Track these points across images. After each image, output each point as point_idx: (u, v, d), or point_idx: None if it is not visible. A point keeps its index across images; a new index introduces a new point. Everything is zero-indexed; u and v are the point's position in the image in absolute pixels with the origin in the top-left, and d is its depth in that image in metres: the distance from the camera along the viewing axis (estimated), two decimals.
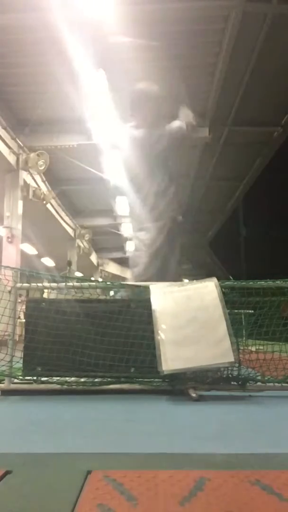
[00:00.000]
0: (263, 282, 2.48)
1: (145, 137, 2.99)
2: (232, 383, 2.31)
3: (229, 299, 2.38)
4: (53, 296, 3.16)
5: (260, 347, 2.51)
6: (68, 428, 1.62)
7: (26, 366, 2.40)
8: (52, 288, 2.68)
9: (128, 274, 3.23)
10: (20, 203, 8.43)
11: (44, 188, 9.46)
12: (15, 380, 2.36)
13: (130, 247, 17.26)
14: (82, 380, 2.34)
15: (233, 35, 6.01)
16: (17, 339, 2.78)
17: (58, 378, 2.33)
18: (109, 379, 2.33)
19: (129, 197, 3.11)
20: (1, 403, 2.16)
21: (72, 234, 13.44)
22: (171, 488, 0.95)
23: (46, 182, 9.62)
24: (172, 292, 2.37)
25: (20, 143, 8.10)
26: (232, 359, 2.10)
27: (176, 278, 3.04)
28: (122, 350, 2.32)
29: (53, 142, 8.57)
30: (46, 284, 2.63)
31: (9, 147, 7.86)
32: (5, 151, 7.80)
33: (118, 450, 1.30)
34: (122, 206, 12.30)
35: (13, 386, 2.35)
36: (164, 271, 3.02)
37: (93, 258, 17.19)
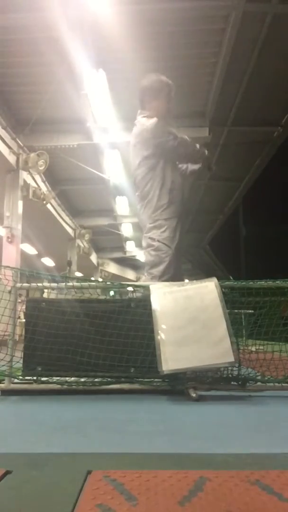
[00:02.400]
0: (263, 282, 2.48)
1: (159, 125, 2.99)
2: (232, 383, 2.31)
3: (229, 299, 2.38)
4: (53, 296, 3.16)
5: (260, 347, 2.51)
6: (68, 428, 1.62)
7: (26, 366, 2.40)
8: (52, 288, 2.68)
9: (144, 275, 3.16)
10: (20, 203, 8.44)
11: (44, 188, 9.47)
12: (15, 380, 2.36)
13: (130, 247, 17.30)
14: (82, 380, 2.34)
15: (233, 35, 6.00)
16: (17, 339, 2.78)
17: (58, 378, 2.33)
18: (109, 379, 2.33)
19: (141, 191, 3.01)
20: (1, 403, 2.16)
21: (72, 234, 13.45)
22: (171, 488, 0.95)
23: (46, 182, 9.63)
24: (172, 292, 2.37)
25: (20, 143, 8.10)
26: (232, 359, 2.10)
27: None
28: (122, 350, 2.32)
29: (53, 142, 8.58)
30: (46, 284, 2.63)
31: (9, 147, 7.87)
32: (5, 151, 7.81)
33: (118, 450, 1.30)
34: (122, 206, 12.32)
35: (13, 386, 2.35)
36: (180, 271, 3.03)
37: (93, 258, 17.20)
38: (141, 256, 15.88)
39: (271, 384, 2.31)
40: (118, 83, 6.64)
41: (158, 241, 2.87)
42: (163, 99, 3.10)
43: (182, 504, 0.88)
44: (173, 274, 2.87)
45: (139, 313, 2.36)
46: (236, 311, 2.58)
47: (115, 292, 3.28)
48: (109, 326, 2.36)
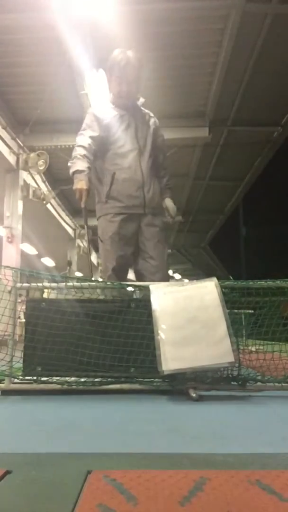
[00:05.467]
0: (263, 282, 2.48)
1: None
2: (232, 383, 2.31)
3: (229, 299, 2.38)
4: (53, 296, 3.16)
5: (260, 347, 2.51)
6: (68, 428, 1.62)
7: (26, 366, 2.40)
8: (52, 288, 2.68)
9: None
10: (20, 203, 8.43)
11: (44, 188, 9.46)
12: (15, 380, 2.36)
13: None
14: (82, 380, 2.34)
15: (233, 35, 6.00)
16: (17, 339, 2.78)
17: (58, 378, 2.33)
18: (109, 379, 2.33)
19: None
20: (1, 403, 2.16)
21: (72, 234, 13.44)
22: (171, 488, 0.95)
23: (46, 182, 9.62)
24: (172, 292, 2.37)
25: (20, 143, 8.10)
26: (232, 359, 2.10)
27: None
28: (122, 350, 2.32)
29: (53, 142, 8.57)
30: (46, 284, 2.62)
31: (9, 147, 7.87)
32: (5, 151, 7.81)
33: (118, 450, 1.30)
34: None
35: (13, 386, 2.35)
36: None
37: (93, 258, 17.19)
38: None
39: (271, 384, 2.31)
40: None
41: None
42: (114, 80, 2.86)
43: (182, 504, 0.88)
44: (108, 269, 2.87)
45: (139, 313, 2.37)
46: (236, 311, 2.58)
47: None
48: (109, 326, 2.36)
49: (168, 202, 3.08)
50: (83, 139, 2.85)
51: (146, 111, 3.08)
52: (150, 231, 2.90)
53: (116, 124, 2.87)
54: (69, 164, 2.82)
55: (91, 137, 2.83)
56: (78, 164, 2.76)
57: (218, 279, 2.41)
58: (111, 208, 2.91)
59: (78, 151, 2.80)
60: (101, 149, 2.87)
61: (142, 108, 3.06)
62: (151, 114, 3.08)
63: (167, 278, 3.04)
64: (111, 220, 2.89)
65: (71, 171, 2.78)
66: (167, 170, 3.19)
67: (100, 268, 18.37)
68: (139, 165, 2.87)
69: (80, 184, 2.75)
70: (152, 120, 3.04)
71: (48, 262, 16.45)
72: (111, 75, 2.89)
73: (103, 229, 2.95)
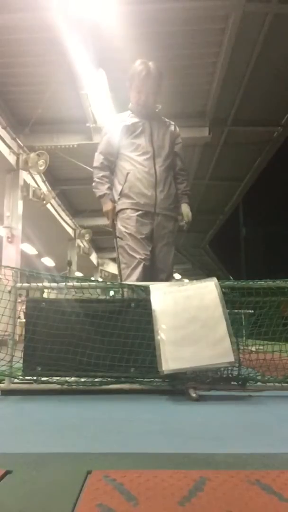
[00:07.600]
0: (263, 282, 2.48)
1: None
2: (232, 383, 2.31)
3: (229, 299, 2.38)
4: (53, 296, 3.16)
5: (260, 347, 2.51)
6: (68, 428, 1.62)
7: (26, 366, 2.40)
8: (52, 288, 2.68)
9: None
10: (20, 203, 8.44)
11: (44, 188, 9.47)
12: (15, 380, 2.36)
13: None
14: (82, 380, 2.34)
15: (233, 35, 6.01)
16: (17, 339, 2.78)
17: (58, 378, 2.33)
18: (109, 379, 2.33)
19: None
20: (1, 403, 2.16)
21: (72, 234, 13.44)
22: (171, 488, 0.95)
23: (46, 182, 9.62)
24: (172, 292, 2.37)
25: (20, 143, 8.10)
26: (232, 359, 2.10)
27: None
28: (122, 350, 2.32)
29: (53, 142, 8.58)
30: (46, 284, 2.63)
31: (9, 147, 7.87)
32: (5, 151, 7.81)
33: (118, 450, 1.30)
34: None
35: (13, 386, 2.35)
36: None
37: (93, 258, 17.18)
38: None
39: (271, 384, 2.31)
40: (118, 83, 6.63)
41: None
42: (134, 90, 3.00)
43: (182, 504, 0.88)
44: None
45: (139, 313, 2.37)
46: (236, 311, 2.58)
47: (115, 292, 3.28)
48: (109, 326, 2.36)
49: (184, 208, 3.16)
50: (96, 158, 3.15)
51: (167, 119, 3.20)
52: (160, 232, 2.97)
53: (128, 132, 3.02)
54: (93, 189, 3.13)
55: (101, 153, 3.12)
56: (99, 188, 3.09)
57: (218, 279, 2.41)
58: (121, 204, 3.00)
59: (95, 174, 3.13)
60: (115, 154, 3.07)
61: (163, 117, 3.19)
62: (172, 122, 3.20)
63: (170, 280, 3.07)
64: (128, 217, 2.96)
65: (96, 195, 3.11)
66: (186, 177, 3.29)
67: (100, 268, 18.37)
68: (153, 167, 2.98)
69: (105, 207, 3.07)
70: (171, 128, 3.16)
71: (48, 262, 16.45)
72: (131, 84, 3.02)
73: (120, 227, 3.01)
